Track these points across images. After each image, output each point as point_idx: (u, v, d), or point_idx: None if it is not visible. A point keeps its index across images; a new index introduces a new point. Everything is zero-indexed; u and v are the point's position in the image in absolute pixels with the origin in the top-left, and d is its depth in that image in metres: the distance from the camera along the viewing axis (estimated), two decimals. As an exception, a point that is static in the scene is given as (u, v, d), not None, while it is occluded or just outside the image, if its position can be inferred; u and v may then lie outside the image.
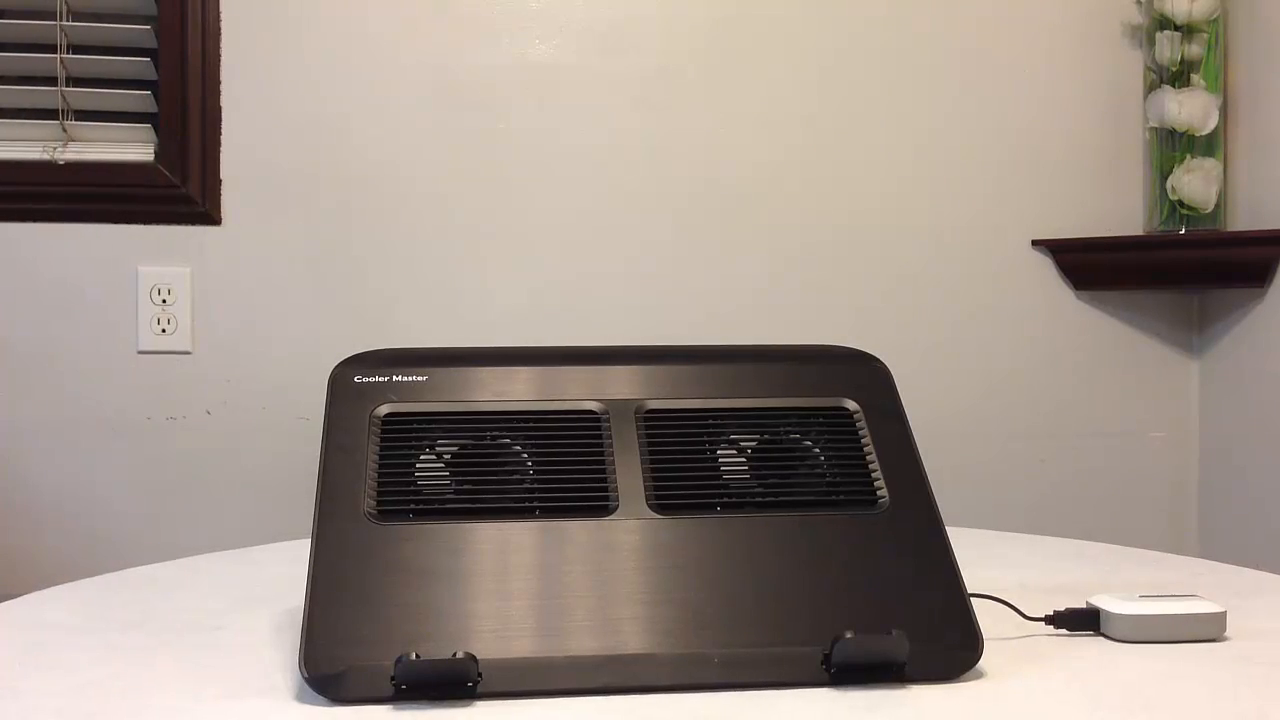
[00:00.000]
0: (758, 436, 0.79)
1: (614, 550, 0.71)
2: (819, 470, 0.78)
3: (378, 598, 0.67)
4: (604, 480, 0.74)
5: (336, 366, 0.79)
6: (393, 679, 0.63)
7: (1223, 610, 0.79)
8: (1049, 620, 0.79)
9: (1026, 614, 0.81)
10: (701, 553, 0.71)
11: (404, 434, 0.76)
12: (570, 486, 0.74)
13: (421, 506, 0.73)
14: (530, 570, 0.69)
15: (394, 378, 0.78)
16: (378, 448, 0.75)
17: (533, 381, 0.79)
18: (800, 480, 0.77)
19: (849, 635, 0.66)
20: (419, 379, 0.78)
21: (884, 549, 0.73)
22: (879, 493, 0.76)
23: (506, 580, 0.69)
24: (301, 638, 0.65)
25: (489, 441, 0.76)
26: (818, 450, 0.78)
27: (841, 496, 0.76)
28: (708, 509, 0.74)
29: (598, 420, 0.77)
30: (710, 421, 0.78)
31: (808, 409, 0.80)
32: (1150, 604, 0.78)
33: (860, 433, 0.79)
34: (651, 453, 0.76)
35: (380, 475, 0.73)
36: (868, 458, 0.78)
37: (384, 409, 0.76)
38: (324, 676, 0.64)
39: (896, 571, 0.72)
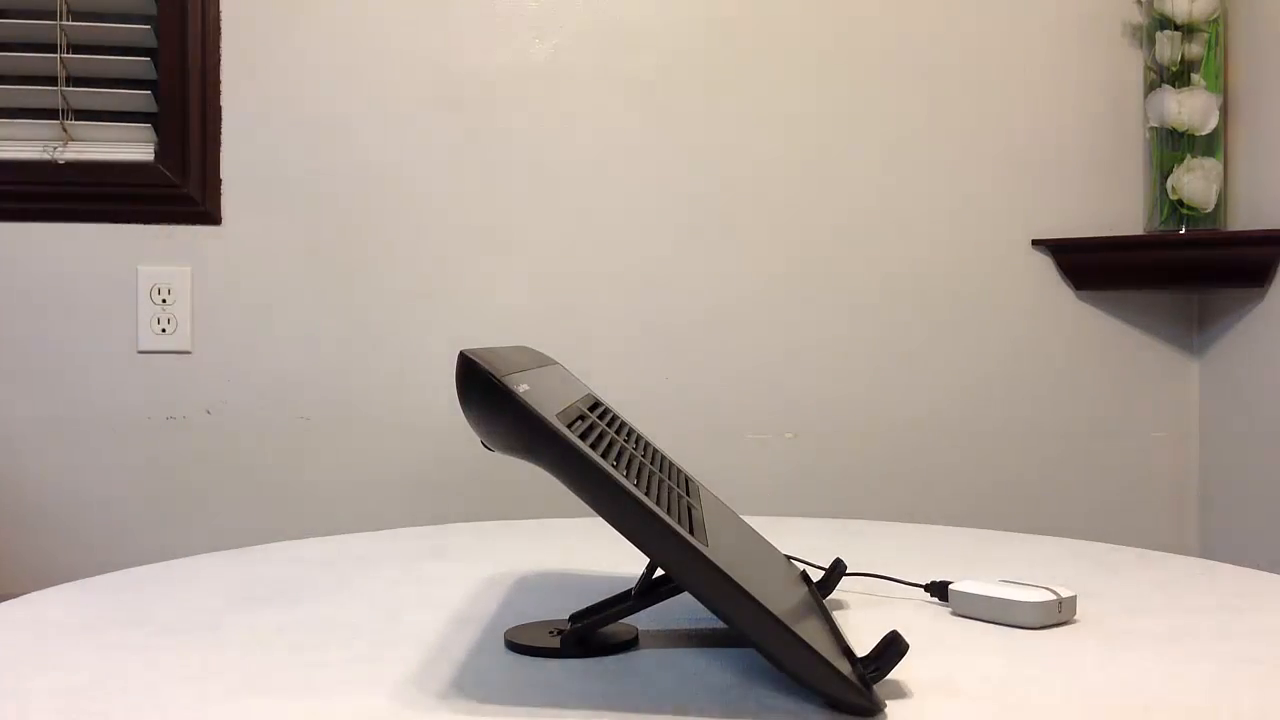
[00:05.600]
0: None
1: None
2: None
3: None
4: None
5: (469, 371, 0.64)
6: None
7: (1055, 599, 0.83)
8: (926, 588, 0.92)
9: (906, 581, 0.96)
10: None
11: (586, 433, 0.70)
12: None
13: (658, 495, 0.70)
14: None
15: (521, 386, 0.67)
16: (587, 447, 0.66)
17: None
18: None
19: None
20: (527, 386, 0.68)
21: None
22: None
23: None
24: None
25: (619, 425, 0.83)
26: None
27: None
28: None
29: None
30: None
31: None
32: (994, 587, 0.86)
33: None
34: None
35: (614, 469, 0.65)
36: None
37: (558, 409, 0.69)
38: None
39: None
